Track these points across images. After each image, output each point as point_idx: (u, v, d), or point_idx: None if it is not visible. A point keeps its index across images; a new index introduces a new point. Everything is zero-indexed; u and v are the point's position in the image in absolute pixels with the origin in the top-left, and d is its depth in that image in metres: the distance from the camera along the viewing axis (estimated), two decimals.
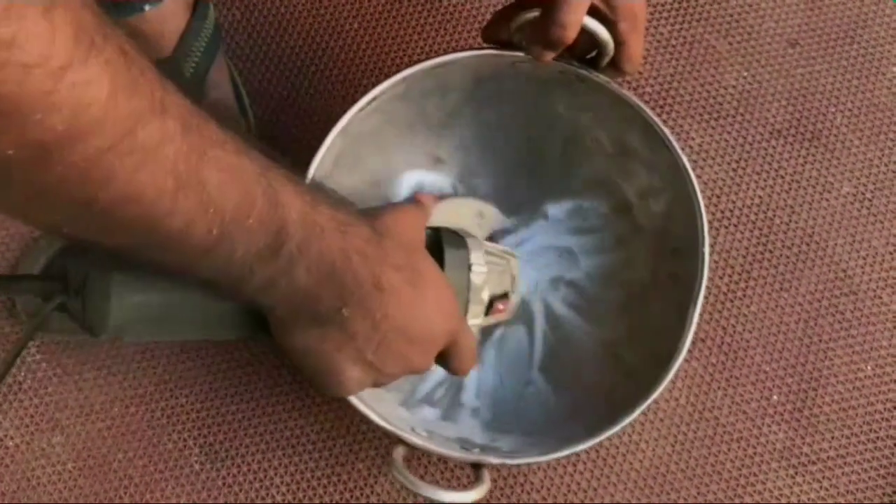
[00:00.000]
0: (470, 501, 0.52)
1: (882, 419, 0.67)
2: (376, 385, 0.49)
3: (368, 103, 0.58)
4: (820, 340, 0.68)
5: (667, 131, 0.58)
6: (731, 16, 0.75)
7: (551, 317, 0.65)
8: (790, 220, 0.71)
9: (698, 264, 0.57)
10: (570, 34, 0.53)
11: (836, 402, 0.67)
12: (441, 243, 0.51)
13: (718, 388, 0.67)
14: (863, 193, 0.72)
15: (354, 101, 0.71)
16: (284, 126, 0.71)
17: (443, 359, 0.52)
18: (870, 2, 0.76)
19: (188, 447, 0.64)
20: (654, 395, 0.55)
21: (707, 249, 0.57)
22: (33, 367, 0.65)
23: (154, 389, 0.65)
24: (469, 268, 0.51)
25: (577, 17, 0.53)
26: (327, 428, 0.65)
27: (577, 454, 0.65)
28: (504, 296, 0.55)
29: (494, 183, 0.67)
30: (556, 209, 0.66)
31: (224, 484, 0.64)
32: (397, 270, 0.46)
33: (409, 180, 0.66)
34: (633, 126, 0.60)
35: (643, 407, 0.55)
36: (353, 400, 0.53)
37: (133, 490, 0.63)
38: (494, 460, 0.55)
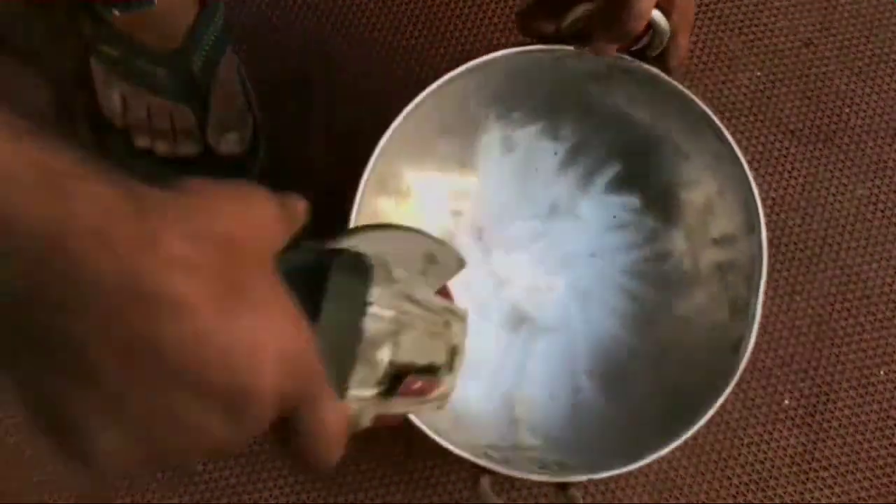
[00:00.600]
0: None
1: (895, 424, 0.66)
2: (155, 464, 0.30)
3: (415, 108, 0.55)
4: (832, 345, 0.67)
5: (715, 119, 0.56)
6: (745, 14, 0.74)
7: (590, 319, 0.63)
8: (803, 223, 0.70)
9: (753, 256, 0.55)
10: (642, 24, 0.51)
11: (849, 406, 0.66)
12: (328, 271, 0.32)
13: (729, 392, 0.66)
14: (877, 196, 0.71)
15: (363, 104, 0.71)
16: (293, 126, 0.70)
17: (282, 434, 0.31)
18: (886, 1, 0.75)
19: None
20: (731, 385, 0.52)
21: (765, 240, 0.55)
22: None
23: None
24: (363, 308, 0.33)
25: (649, 6, 0.50)
26: None
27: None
28: (430, 371, 0.38)
29: (517, 186, 0.64)
30: (586, 207, 0.65)
31: (227, 485, 0.63)
32: (193, 271, 0.26)
33: (434, 186, 0.64)
34: (676, 116, 0.58)
35: (722, 398, 0.52)
36: (425, 429, 0.50)
37: (133, 490, 0.63)
38: (581, 477, 0.52)
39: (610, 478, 0.59)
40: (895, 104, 0.73)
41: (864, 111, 0.73)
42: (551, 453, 0.57)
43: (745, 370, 0.66)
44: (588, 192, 0.64)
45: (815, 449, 0.65)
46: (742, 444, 0.65)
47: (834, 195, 0.71)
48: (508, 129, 0.63)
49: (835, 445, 0.66)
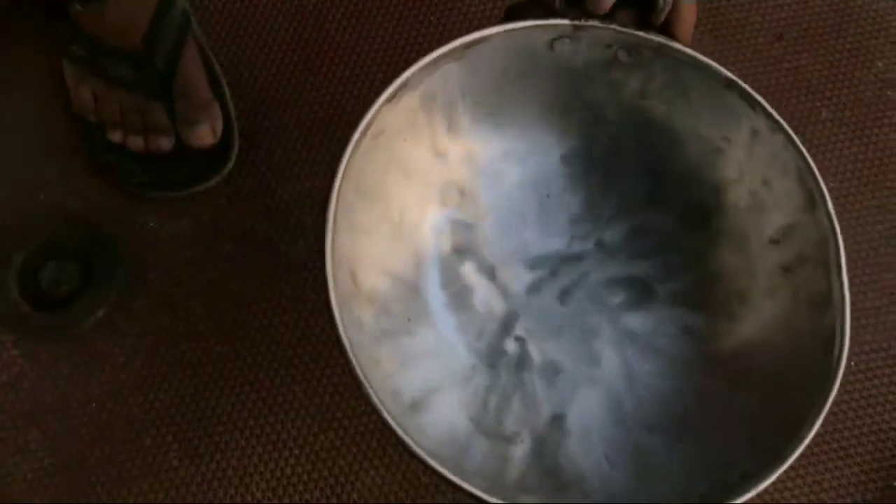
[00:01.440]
0: None
1: (866, 415, 0.67)
2: None
3: (395, 92, 0.49)
4: None
5: (741, 82, 0.49)
6: (718, 9, 0.75)
7: (637, 364, 0.55)
8: None
9: (822, 234, 0.48)
10: None
11: None
12: None
13: (833, 396, 0.67)
14: (847, 188, 0.72)
15: (338, 94, 0.71)
16: (267, 117, 0.70)
17: None
18: None
19: (167, 443, 0.63)
20: (835, 388, 0.46)
21: (833, 210, 0.49)
22: (9, 362, 0.64)
23: (132, 385, 0.64)
24: None
25: None
26: (308, 423, 0.64)
27: None
28: None
29: (529, 211, 0.57)
30: (611, 233, 0.57)
31: (203, 480, 0.63)
32: None
33: (433, 220, 0.57)
34: (697, 92, 0.52)
35: (829, 403, 0.46)
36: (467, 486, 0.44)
37: (111, 487, 0.62)
38: None
39: None
40: (865, 98, 0.73)
41: (836, 104, 0.73)
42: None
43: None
44: (613, 214, 0.58)
45: None
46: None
47: None
48: (510, 147, 0.57)
49: None
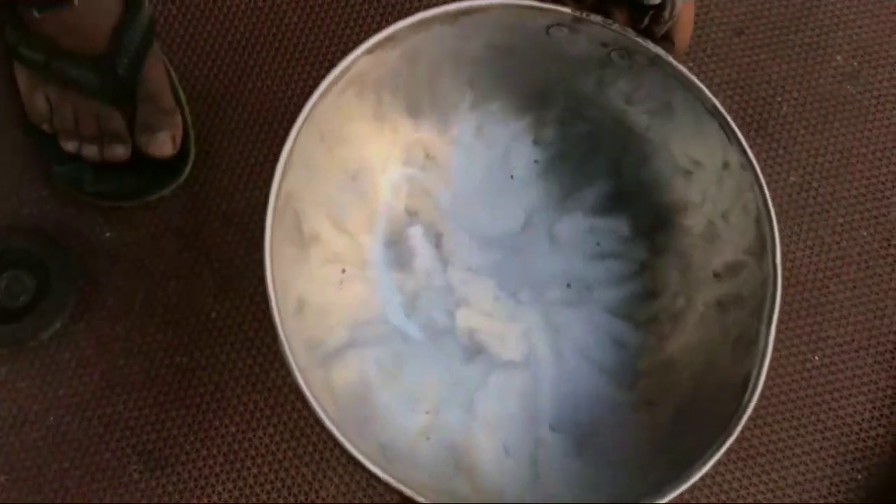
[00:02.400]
0: None
1: (829, 409, 0.67)
2: None
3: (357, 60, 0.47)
4: None
5: (725, 113, 0.49)
6: None
7: (561, 360, 0.55)
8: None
9: (764, 281, 0.48)
10: None
11: (784, 392, 0.67)
12: None
13: (735, 437, 0.66)
14: (809, 182, 0.72)
15: (294, 96, 0.70)
16: (222, 122, 0.69)
17: None
18: None
19: (126, 455, 0.63)
20: (739, 428, 0.46)
21: (780, 260, 0.48)
22: None
23: (91, 397, 0.64)
24: None
25: None
26: (270, 433, 0.64)
27: None
28: None
29: (490, 189, 0.56)
30: (564, 228, 0.57)
31: (164, 492, 0.62)
32: None
33: (391, 177, 0.56)
34: (680, 114, 0.52)
35: (728, 443, 0.46)
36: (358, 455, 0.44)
37: (69, 501, 0.62)
38: None
39: None
40: (825, 92, 0.73)
41: (796, 99, 0.73)
42: None
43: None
44: (569, 210, 0.57)
45: (751, 436, 0.66)
46: None
47: (767, 183, 0.71)
48: (484, 122, 0.57)
49: (771, 432, 0.66)
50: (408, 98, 0.54)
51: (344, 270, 0.55)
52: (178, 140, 0.66)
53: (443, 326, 0.56)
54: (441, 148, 0.57)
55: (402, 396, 0.53)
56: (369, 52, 0.48)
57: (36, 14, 0.61)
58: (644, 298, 0.56)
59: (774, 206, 0.70)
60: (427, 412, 0.53)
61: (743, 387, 0.48)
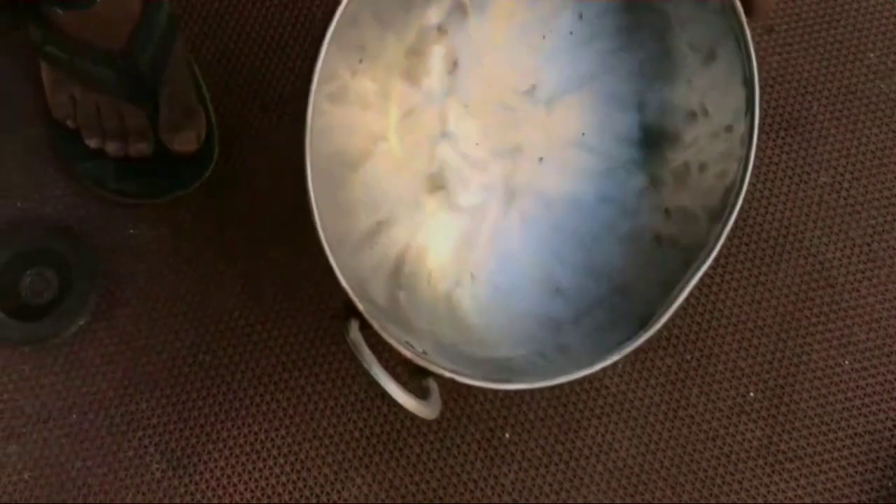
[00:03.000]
0: (412, 408, 0.46)
1: (860, 415, 0.66)
2: None
3: None
4: (797, 335, 0.67)
5: (757, 103, 0.51)
6: None
7: (506, 218, 0.58)
8: (766, 211, 0.69)
9: (705, 244, 0.51)
10: None
11: (814, 398, 0.66)
12: None
13: (693, 385, 0.66)
14: (840, 183, 0.70)
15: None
16: (247, 120, 0.69)
17: None
18: None
19: (149, 454, 0.63)
20: (616, 358, 0.49)
21: (727, 230, 0.50)
22: None
23: (113, 395, 0.63)
24: None
25: None
26: (293, 432, 0.63)
27: (550, 456, 0.64)
28: None
29: (514, 44, 0.58)
30: (563, 106, 0.58)
31: (186, 491, 0.62)
32: None
33: None
34: (717, 67, 0.53)
35: (603, 364, 0.48)
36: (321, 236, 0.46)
37: (92, 499, 0.62)
38: (442, 371, 0.47)
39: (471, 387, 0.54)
40: (858, 90, 0.72)
41: (827, 98, 0.72)
42: (416, 337, 0.52)
43: (710, 363, 0.66)
44: (577, 91, 0.58)
45: (780, 441, 0.65)
46: (707, 438, 0.65)
47: (797, 183, 0.70)
48: None
49: (800, 437, 0.65)
50: None
51: (361, 60, 0.55)
52: (202, 136, 0.66)
53: (422, 150, 0.58)
54: None
55: (365, 198, 0.56)
56: None
57: (59, 11, 0.61)
58: (598, 199, 0.59)
59: (804, 206, 0.69)
60: (379, 221, 0.56)
61: (642, 323, 0.50)
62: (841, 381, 0.66)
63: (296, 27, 0.71)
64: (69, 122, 0.66)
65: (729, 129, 0.53)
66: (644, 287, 0.54)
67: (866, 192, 0.70)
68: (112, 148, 0.66)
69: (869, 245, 0.69)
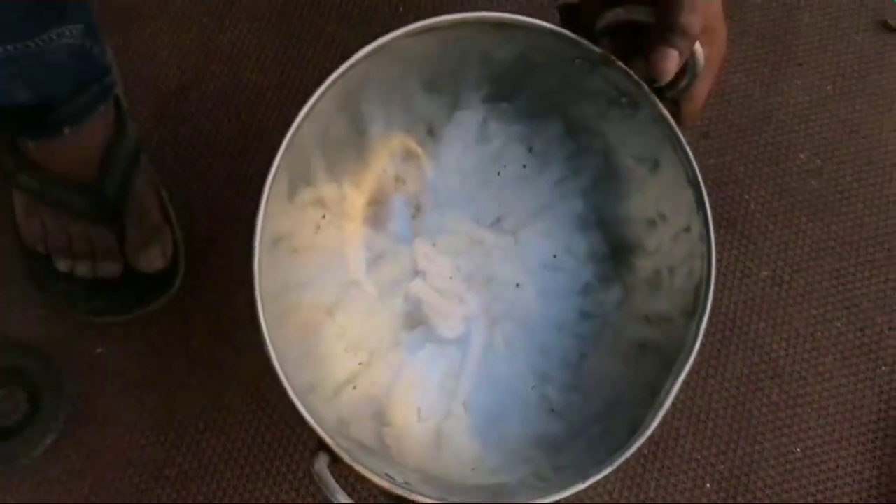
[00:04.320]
0: None
1: (815, 501, 0.67)
2: None
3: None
4: (749, 425, 0.69)
5: (703, 189, 0.53)
6: None
7: (490, 349, 0.59)
8: (713, 306, 0.72)
9: (684, 343, 0.52)
10: (689, 43, 0.48)
11: (769, 486, 0.67)
12: None
13: (651, 478, 0.67)
14: (780, 276, 0.74)
15: None
16: (211, 234, 0.72)
17: None
18: (775, 93, 0.79)
19: None
20: (614, 465, 0.49)
21: (703, 327, 0.51)
22: None
23: None
24: None
25: (698, 25, 0.48)
26: None
27: None
28: None
29: (471, 181, 0.61)
30: (529, 235, 0.61)
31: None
32: None
33: (392, 142, 0.60)
34: (665, 171, 0.55)
35: (598, 476, 0.49)
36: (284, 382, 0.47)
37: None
38: (425, 500, 0.48)
39: None
40: (790, 188, 0.76)
41: (763, 196, 0.76)
42: (401, 469, 0.53)
43: (666, 456, 0.67)
44: (541, 218, 0.61)
45: None
46: None
47: (740, 278, 0.73)
48: (490, 116, 0.60)
49: None
50: (429, 75, 0.57)
51: (324, 216, 0.58)
52: (169, 254, 0.69)
53: (396, 290, 0.60)
54: (443, 128, 0.60)
55: (343, 343, 0.57)
56: (410, 35, 0.51)
57: (31, 144, 0.65)
58: (579, 317, 0.60)
59: (748, 300, 0.72)
60: (360, 363, 0.57)
61: (632, 430, 0.50)
62: (794, 469, 0.68)
63: (261, 140, 0.75)
64: (39, 248, 0.69)
65: (687, 229, 0.55)
66: (632, 395, 0.54)
67: (806, 283, 0.73)
68: (82, 270, 0.68)
69: (813, 335, 0.72)
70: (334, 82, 0.50)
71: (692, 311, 0.53)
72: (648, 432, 0.50)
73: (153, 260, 0.68)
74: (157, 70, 0.76)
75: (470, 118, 0.60)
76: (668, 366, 0.52)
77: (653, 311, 0.57)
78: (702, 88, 0.52)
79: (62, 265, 0.68)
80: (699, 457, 0.68)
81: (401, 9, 0.79)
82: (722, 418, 0.69)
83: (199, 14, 0.79)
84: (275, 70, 0.77)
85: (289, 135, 0.50)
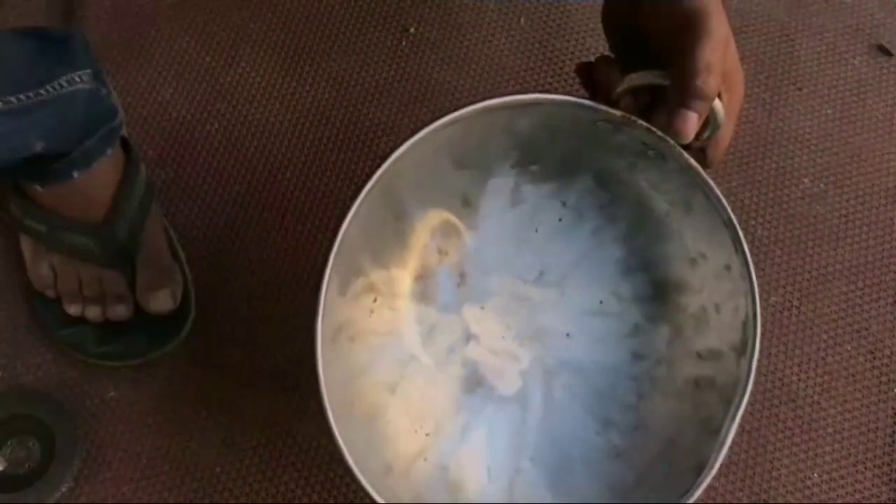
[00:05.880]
0: None
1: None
2: None
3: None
4: (765, 451, 0.69)
5: (739, 229, 0.54)
6: None
7: (550, 401, 0.61)
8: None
9: (738, 379, 0.53)
10: (707, 105, 0.49)
11: None
12: None
13: None
14: (790, 301, 0.74)
15: (287, 253, 0.72)
16: (221, 277, 0.72)
17: None
18: (776, 118, 0.80)
19: None
20: None
21: (755, 362, 0.53)
22: None
23: None
24: None
25: (716, 86, 0.49)
26: None
27: None
28: None
29: (511, 242, 0.62)
30: (573, 285, 0.62)
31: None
32: None
33: (430, 219, 0.62)
34: (698, 215, 0.56)
35: None
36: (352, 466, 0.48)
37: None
38: None
39: None
40: (797, 213, 0.77)
41: (769, 222, 0.76)
42: None
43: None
44: (582, 267, 0.63)
45: None
46: None
47: None
48: (521, 180, 0.62)
49: None
50: (458, 153, 0.58)
51: (376, 300, 0.60)
52: (178, 296, 0.68)
53: (452, 357, 0.61)
54: (478, 198, 0.62)
55: (409, 417, 0.58)
56: (438, 130, 0.52)
57: (39, 188, 0.64)
58: (631, 358, 0.61)
59: (760, 326, 0.72)
60: (427, 434, 0.59)
61: (696, 471, 0.51)
62: (812, 494, 0.68)
63: (268, 178, 0.74)
64: (49, 292, 0.69)
65: (728, 267, 0.56)
66: (693, 433, 0.55)
67: (815, 308, 0.74)
68: (92, 314, 0.68)
69: (824, 359, 0.72)
70: (371, 188, 0.51)
71: (742, 349, 0.54)
72: (714, 471, 0.51)
73: (164, 302, 0.68)
74: (160, 110, 0.76)
75: (502, 185, 0.62)
76: (724, 401, 0.53)
77: (703, 347, 0.58)
78: (725, 135, 0.53)
79: (72, 309, 0.68)
80: (717, 485, 0.68)
81: (403, 42, 0.79)
82: (738, 445, 0.69)
83: (202, 52, 0.78)
84: (280, 108, 0.77)
85: (336, 244, 0.51)
